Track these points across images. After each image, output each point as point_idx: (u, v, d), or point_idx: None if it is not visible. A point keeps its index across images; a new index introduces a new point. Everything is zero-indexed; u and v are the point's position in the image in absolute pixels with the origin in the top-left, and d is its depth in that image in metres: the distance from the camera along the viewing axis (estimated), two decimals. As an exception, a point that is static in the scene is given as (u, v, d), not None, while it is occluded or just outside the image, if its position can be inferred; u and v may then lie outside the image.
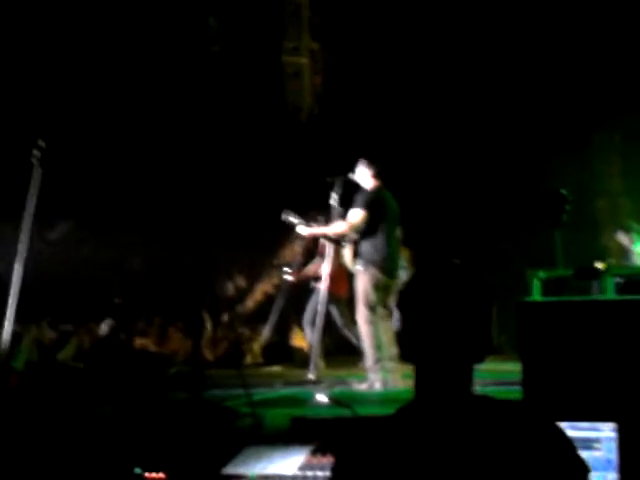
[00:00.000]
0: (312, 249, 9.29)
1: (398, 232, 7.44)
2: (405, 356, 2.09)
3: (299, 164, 11.15)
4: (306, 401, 5.85)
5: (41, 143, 5.88)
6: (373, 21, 11.62)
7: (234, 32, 12.19)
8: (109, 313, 9.54)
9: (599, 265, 6.81)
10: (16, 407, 4.84)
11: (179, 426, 4.35)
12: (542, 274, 6.34)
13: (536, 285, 6.22)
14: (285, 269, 9.32)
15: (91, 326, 9.65)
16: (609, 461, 2.93)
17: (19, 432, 4.33)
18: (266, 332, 10.66)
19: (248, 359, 10.25)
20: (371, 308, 6.94)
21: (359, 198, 7.10)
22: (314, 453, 3.69)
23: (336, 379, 7.58)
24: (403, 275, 7.43)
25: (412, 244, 8.73)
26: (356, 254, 7.11)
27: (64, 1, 10.96)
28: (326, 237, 7.70)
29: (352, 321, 7.63)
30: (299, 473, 3.59)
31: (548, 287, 6.55)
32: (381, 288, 6.98)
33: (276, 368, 9.80)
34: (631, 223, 9.25)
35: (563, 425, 1.99)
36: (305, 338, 8.87)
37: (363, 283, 6.99)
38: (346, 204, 7.39)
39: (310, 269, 8.98)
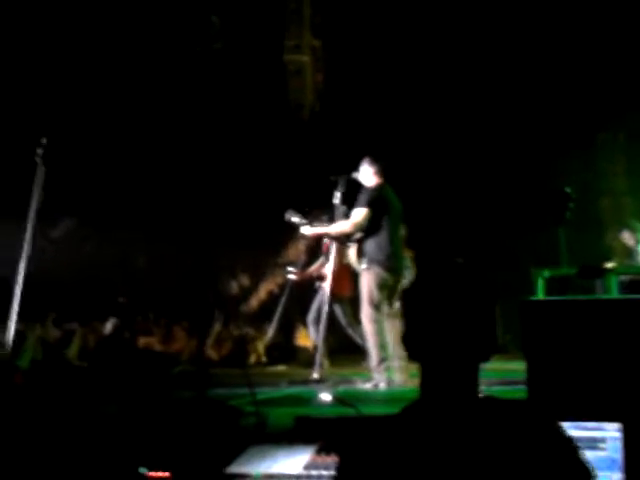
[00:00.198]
0: (316, 248, 9.28)
1: (402, 230, 7.44)
2: (411, 355, 2.09)
3: (301, 162, 11.14)
4: (310, 400, 5.85)
5: (44, 141, 5.89)
6: (374, 18, 11.61)
7: (236, 30, 12.20)
8: (113, 312, 9.55)
9: (609, 265, 6.82)
10: (21, 405, 4.84)
11: (183, 425, 4.35)
12: (546, 273, 6.35)
13: (540, 284, 6.22)
14: (289, 268, 9.31)
15: (95, 325, 9.66)
16: (614, 461, 2.92)
17: (24, 431, 4.34)
18: (270, 331, 10.66)
19: (252, 358, 10.25)
20: (375, 307, 6.93)
21: (362, 196, 7.10)
22: (319, 452, 3.69)
23: (340, 378, 7.57)
24: (408, 275, 7.43)
25: (415, 243, 8.71)
26: (360, 253, 7.11)
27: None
28: (330, 236, 7.69)
29: (356, 320, 7.62)
30: (304, 472, 3.58)
31: (552, 286, 6.55)
32: (386, 286, 6.97)
33: (280, 367, 9.80)
34: (635, 223, 9.23)
35: (568, 425, 1.99)
36: (309, 337, 8.87)
37: (367, 282, 6.98)
38: (349, 203, 7.38)
39: (313, 269, 8.97)
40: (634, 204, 10.70)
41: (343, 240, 7.52)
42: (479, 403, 2.00)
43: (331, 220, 7.72)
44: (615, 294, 6.64)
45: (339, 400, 5.15)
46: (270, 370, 9.63)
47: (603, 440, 2.94)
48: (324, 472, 3.54)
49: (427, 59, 11.21)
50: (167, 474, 3.74)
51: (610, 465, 2.92)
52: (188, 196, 8.17)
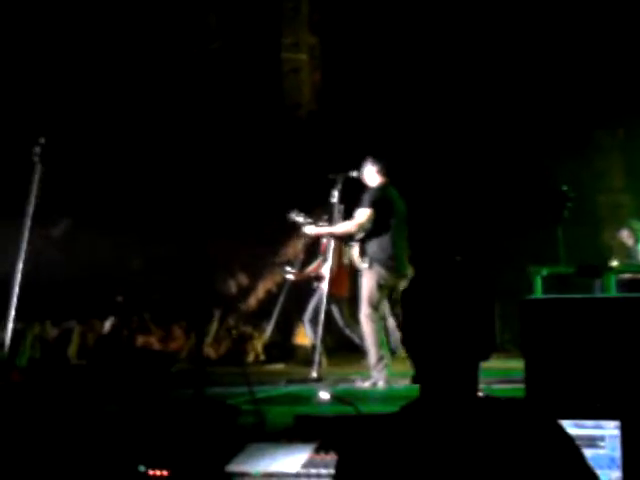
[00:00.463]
0: (313, 248, 9.28)
1: (406, 231, 7.40)
2: (409, 354, 2.09)
3: (299, 161, 11.13)
4: (309, 399, 5.86)
5: (42, 140, 5.88)
6: (372, 16, 11.60)
7: (233, 29, 12.19)
8: (111, 311, 9.55)
9: (613, 263, 6.84)
10: (18, 403, 4.84)
11: (182, 423, 4.35)
12: (545, 271, 6.36)
13: (539, 282, 6.23)
14: (286, 268, 9.31)
15: (94, 323, 9.66)
16: (613, 459, 2.92)
17: (22, 429, 4.34)
18: (269, 330, 10.65)
19: (251, 357, 10.25)
20: (374, 306, 6.93)
21: (366, 197, 7.08)
22: (317, 451, 3.69)
23: (339, 377, 7.58)
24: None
25: (411, 243, 8.71)
26: (363, 252, 7.09)
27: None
28: (333, 236, 7.66)
29: (355, 320, 7.62)
30: (302, 470, 3.58)
31: (550, 284, 6.56)
32: (386, 286, 6.97)
33: (279, 366, 9.79)
34: (634, 221, 9.24)
35: (566, 423, 1.99)
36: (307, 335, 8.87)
37: (368, 281, 6.98)
38: (347, 201, 7.37)
39: (311, 268, 8.97)
40: (632, 202, 10.71)
41: (346, 239, 7.51)
42: (478, 402, 2.00)
43: (329, 219, 7.72)
44: (614, 293, 6.65)
45: (338, 398, 5.15)
46: (268, 368, 9.63)
47: (602, 438, 2.94)
48: (323, 470, 3.54)
49: (425, 58, 11.20)
50: (166, 472, 3.74)
51: (609, 463, 2.92)
52: (186, 195, 8.18)
